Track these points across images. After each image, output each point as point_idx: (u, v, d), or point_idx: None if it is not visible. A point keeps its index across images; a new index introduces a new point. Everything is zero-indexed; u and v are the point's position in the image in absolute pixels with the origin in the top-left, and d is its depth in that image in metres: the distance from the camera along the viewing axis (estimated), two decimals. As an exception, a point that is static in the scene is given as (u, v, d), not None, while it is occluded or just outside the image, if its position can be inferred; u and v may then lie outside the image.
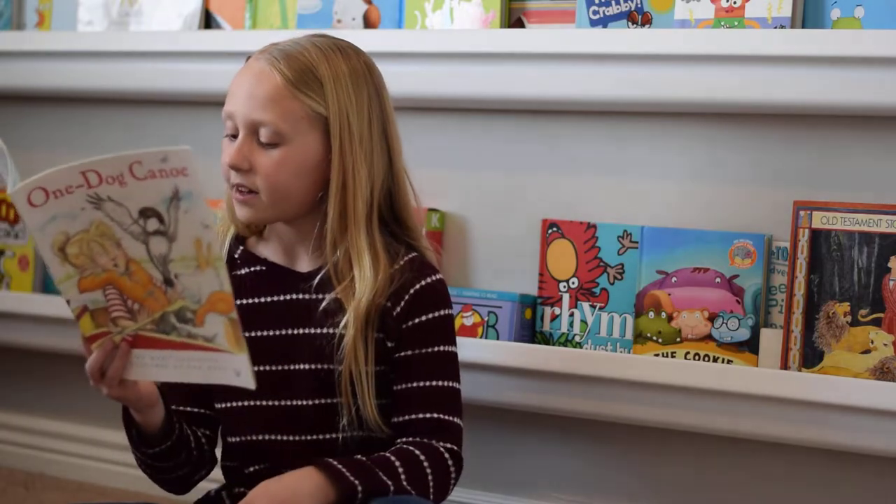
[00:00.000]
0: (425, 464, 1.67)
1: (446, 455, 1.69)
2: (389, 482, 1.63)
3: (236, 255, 1.79)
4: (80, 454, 2.64)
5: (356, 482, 1.61)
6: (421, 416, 1.70)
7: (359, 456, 1.66)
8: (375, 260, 1.71)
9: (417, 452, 1.67)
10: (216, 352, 1.51)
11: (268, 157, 1.69)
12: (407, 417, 1.71)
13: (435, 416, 1.70)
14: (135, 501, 2.00)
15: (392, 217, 1.77)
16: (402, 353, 1.72)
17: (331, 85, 1.70)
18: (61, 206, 1.48)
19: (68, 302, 1.54)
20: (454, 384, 1.74)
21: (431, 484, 1.67)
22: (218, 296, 1.48)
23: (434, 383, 1.72)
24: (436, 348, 1.73)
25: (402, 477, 1.64)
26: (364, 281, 1.70)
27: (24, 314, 2.50)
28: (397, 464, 1.65)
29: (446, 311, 1.75)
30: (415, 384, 1.72)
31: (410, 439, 1.69)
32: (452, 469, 1.70)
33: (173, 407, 1.76)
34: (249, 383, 1.51)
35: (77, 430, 2.62)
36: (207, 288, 1.49)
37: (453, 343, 1.76)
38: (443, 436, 1.70)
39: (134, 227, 1.49)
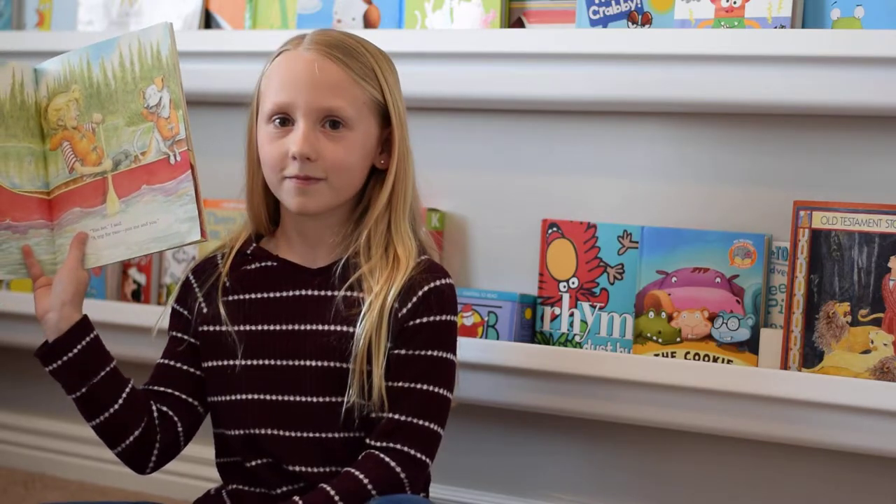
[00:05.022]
0: (366, 483, 1.66)
1: (392, 464, 1.68)
2: None
3: (248, 252, 1.80)
4: (80, 454, 2.65)
5: None
6: (394, 416, 1.70)
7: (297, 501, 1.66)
8: (410, 248, 1.74)
9: (360, 475, 1.67)
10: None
11: (336, 143, 1.72)
12: (380, 415, 1.71)
13: (407, 419, 1.70)
14: (135, 501, 2.00)
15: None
16: (397, 352, 1.72)
17: (381, 72, 1.75)
18: None
19: None
20: (441, 391, 1.72)
21: (375, 495, 1.66)
22: None
23: (419, 386, 1.71)
24: (431, 352, 1.73)
25: None
26: (408, 265, 1.72)
27: (24, 314, 2.50)
28: (337, 500, 1.65)
29: (450, 317, 1.75)
30: (399, 384, 1.71)
31: (370, 446, 1.69)
32: (403, 476, 1.68)
33: (153, 387, 1.79)
34: (196, 234, 1.68)
35: (77, 430, 2.62)
36: None
37: (451, 350, 1.75)
38: (408, 440, 1.69)
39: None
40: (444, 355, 1.73)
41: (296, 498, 1.66)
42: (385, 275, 1.72)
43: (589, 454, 2.19)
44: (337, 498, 1.65)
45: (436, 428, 1.71)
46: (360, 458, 1.69)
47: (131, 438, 1.75)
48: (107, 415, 1.73)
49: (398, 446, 1.69)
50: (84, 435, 2.63)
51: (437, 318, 1.73)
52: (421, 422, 1.70)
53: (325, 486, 1.66)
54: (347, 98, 1.71)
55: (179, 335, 1.82)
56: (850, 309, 1.91)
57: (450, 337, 1.75)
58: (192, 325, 1.81)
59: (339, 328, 1.72)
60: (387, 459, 1.68)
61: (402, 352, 1.72)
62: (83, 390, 1.72)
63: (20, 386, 2.72)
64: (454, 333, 1.76)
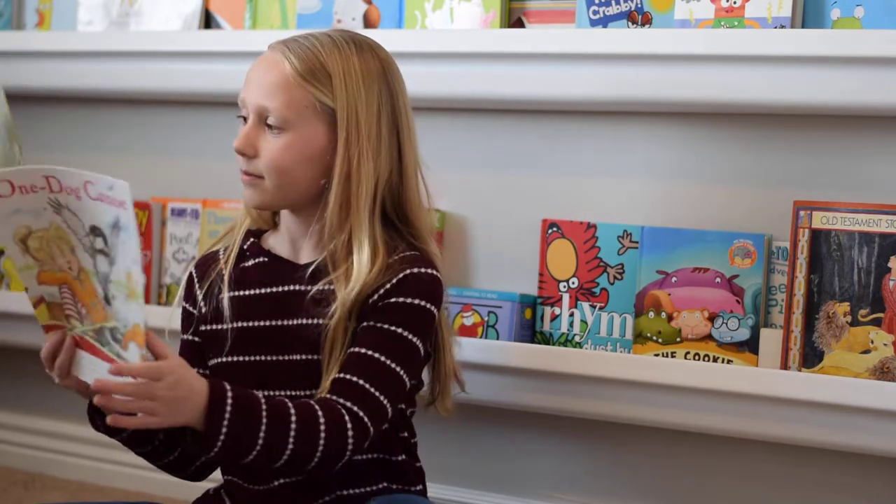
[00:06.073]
0: (321, 420, 1.63)
1: (347, 417, 1.65)
2: (257, 443, 1.61)
3: (245, 247, 1.81)
4: (80, 454, 2.64)
5: (222, 431, 1.60)
6: (346, 377, 1.67)
7: (261, 397, 1.63)
8: (374, 253, 1.71)
9: (318, 410, 1.64)
10: None
11: (272, 142, 1.72)
12: (335, 375, 1.68)
13: (359, 381, 1.67)
14: (135, 501, 2.00)
15: (397, 216, 1.78)
16: (361, 324, 1.71)
17: (340, 78, 1.73)
18: (25, 202, 1.55)
19: (27, 289, 1.63)
20: (396, 367, 1.69)
21: (322, 442, 1.63)
22: (137, 329, 1.54)
23: (374, 355, 1.68)
24: (394, 328, 1.70)
25: (292, 429, 1.62)
26: (360, 271, 1.70)
27: (24, 314, 2.49)
28: (292, 415, 1.63)
29: (424, 304, 1.72)
30: (356, 349, 1.69)
31: (325, 396, 1.67)
32: (350, 433, 1.65)
33: None
34: None
35: (77, 430, 2.62)
36: (132, 318, 1.54)
37: (418, 336, 1.72)
38: (356, 401, 1.66)
39: (86, 239, 1.55)
40: (408, 336, 1.71)
41: (259, 393, 1.64)
42: (354, 271, 1.71)
43: (589, 454, 2.19)
44: (293, 411, 1.63)
45: (385, 402, 1.68)
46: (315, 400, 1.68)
47: (197, 463, 1.80)
48: (176, 454, 1.77)
49: (348, 403, 1.66)
50: (84, 435, 2.63)
51: (409, 300, 1.71)
52: (371, 389, 1.67)
53: (285, 399, 1.66)
54: (283, 99, 1.71)
55: (190, 338, 1.83)
56: (850, 309, 1.91)
57: (419, 322, 1.72)
58: (196, 323, 1.82)
59: (318, 322, 1.72)
60: (339, 407, 1.66)
61: (365, 324, 1.71)
62: (160, 436, 1.74)
63: (20, 386, 2.72)
64: (427, 321, 1.73)
